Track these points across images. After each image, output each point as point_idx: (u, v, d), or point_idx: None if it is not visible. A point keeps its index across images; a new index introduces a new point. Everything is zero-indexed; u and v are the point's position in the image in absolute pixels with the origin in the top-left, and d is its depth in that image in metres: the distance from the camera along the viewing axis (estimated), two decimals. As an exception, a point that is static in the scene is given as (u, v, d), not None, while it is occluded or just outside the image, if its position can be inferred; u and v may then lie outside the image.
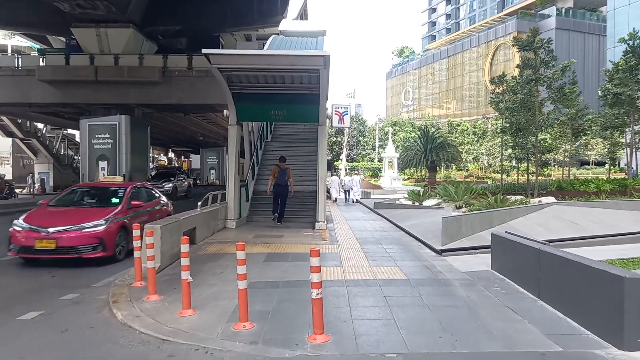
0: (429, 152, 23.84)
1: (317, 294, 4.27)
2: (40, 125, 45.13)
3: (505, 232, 7.00)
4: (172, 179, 30.42)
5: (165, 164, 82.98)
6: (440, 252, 8.39)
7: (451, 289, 6.06)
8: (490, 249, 8.12)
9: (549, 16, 73.47)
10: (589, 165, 51.03)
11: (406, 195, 21.42)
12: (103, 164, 31.81)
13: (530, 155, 17.69)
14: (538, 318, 4.88)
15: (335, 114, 17.93)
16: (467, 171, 52.08)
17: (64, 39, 34.57)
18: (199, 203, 9.90)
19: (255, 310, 5.19)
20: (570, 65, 16.31)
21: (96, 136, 31.81)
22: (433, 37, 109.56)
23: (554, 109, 17.01)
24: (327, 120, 12.57)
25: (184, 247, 5.32)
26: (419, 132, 26.81)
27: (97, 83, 30.07)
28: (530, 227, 9.67)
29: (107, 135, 31.68)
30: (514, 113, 15.95)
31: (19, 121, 39.75)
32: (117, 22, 30.78)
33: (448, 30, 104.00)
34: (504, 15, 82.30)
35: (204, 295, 5.90)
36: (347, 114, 18.43)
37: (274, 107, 11.90)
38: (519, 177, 25.50)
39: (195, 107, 33.13)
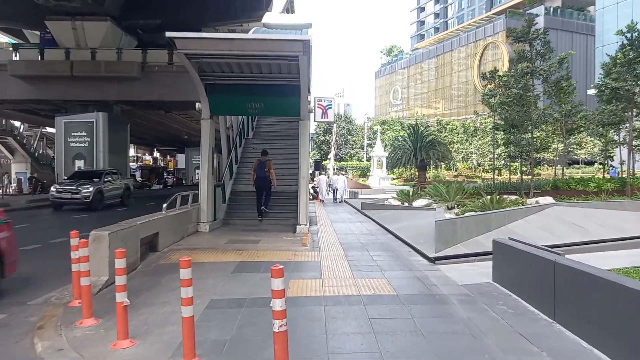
0: (419, 151, 22.96)
1: (280, 326, 3.27)
2: (17, 124, 43.56)
3: (509, 238, 6.07)
4: (96, 180, 21.92)
5: (151, 163, 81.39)
6: (433, 260, 7.44)
7: (448, 308, 5.10)
8: (490, 256, 7.20)
9: (537, 15, 73.29)
10: (578, 164, 50.68)
11: (395, 195, 20.53)
12: (80, 163, 30.48)
13: (524, 153, 16.88)
14: (557, 348, 3.94)
15: (318, 107, 16.70)
16: (456, 170, 51.47)
17: (39, 33, 33.07)
18: (164, 205, 8.84)
19: (209, 339, 4.19)
20: (568, 57, 15.50)
21: (72, 134, 30.47)
22: (422, 36, 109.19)
23: (550, 104, 16.17)
24: (310, 114, 11.53)
25: (119, 263, 4.30)
26: (408, 131, 25.86)
27: (73, 79, 28.75)
28: (532, 231, 8.78)
29: (83, 133, 30.36)
30: (507, 108, 15.07)
31: (-7, 119, 38.17)
32: (94, 14, 29.48)
33: (437, 30, 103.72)
34: (492, 14, 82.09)
35: (151, 318, 4.88)
36: (331, 108, 17.14)
37: (251, 100, 10.87)
38: (511, 176, 24.73)
39: (177, 104, 31.91)
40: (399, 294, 5.60)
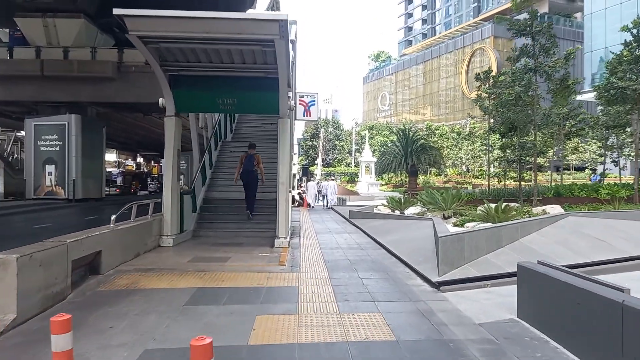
0: (410, 156, 21.66)
1: None
2: (-12, 127, 41.56)
3: (539, 263, 4.72)
4: None
5: (134, 169, 79.32)
6: (437, 286, 6.05)
7: (469, 363, 3.71)
8: (505, 279, 5.87)
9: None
10: (568, 170, 49.97)
11: (385, 203, 19.23)
12: (50, 168, 28.69)
13: (524, 157, 15.69)
14: None
15: (300, 103, 15.13)
16: (445, 176, 50.39)
17: (7, 31, 31.29)
18: (113, 217, 7.35)
19: None
20: (575, 52, 14.32)
21: (43, 137, 28.69)
22: (409, 42, 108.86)
23: (554, 104, 14.95)
24: (291, 112, 10.10)
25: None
26: (398, 135, 24.62)
27: (43, 79, 27.01)
28: (549, 247, 7.46)
29: (55, 137, 28.59)
30: (503, 110, 13.81)
31: (-40, 121, 36.15)
32: (67, 11, 27.82)
33: (424, 36, 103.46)
34: (480, 20, 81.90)
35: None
36: (314, 104, 15.54)
37: (222, 94, 9.43)
38: (505, 182, 23.54)
39: (155, 106, 29.66)
40: (399, 340, 4.19)
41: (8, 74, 26.73)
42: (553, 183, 20.62)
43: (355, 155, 55.98)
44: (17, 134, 45.61)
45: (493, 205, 10.17)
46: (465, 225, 10.57)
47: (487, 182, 21.55)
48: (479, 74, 20.33)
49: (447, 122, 73.74)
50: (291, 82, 9.57)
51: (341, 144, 58.80)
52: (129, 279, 6.55)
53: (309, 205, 24.88)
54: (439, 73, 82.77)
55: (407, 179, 23.87)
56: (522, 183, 18.37)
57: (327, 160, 56.27)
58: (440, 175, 49.58)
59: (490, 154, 23.42)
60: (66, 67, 26.95)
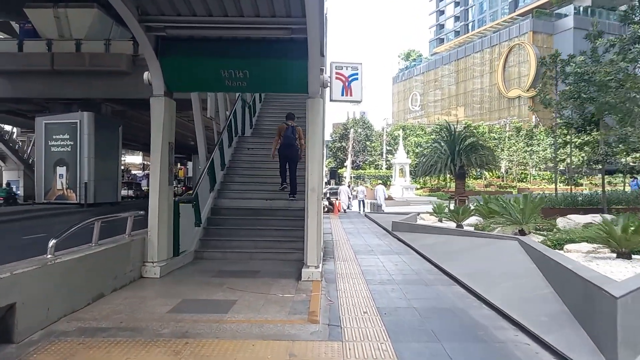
0: (457, 155, 18.60)
1: None
2: (7, 128, 40.28)
3: None
4: None
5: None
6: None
7: None
8: None
9: (565, 15, 69.36)
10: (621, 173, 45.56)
11: (430, 210, 16.29)
12: (61, 170, 26.68)
13: (610, 156, 12.54)
14: None
15: (338, 78, 11.48)
16: (485, 180, 46.82)
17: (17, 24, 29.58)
18: (52, 242, 4.71)
19: None
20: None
21: (54, 137, 26.70)
22: (441, 40, 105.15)
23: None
24: (324, 89, 7.25)
25: None
26: (442, 133, 21.58)
27: (54, 73, 25.00)
28: None
29: (66, 136, 26.56)
30: (605, 92, 10.63)
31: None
32: (79, 0, 25.87)
33: (456, 33, 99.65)
34: (516, 15, 77.63)
35: None
36: (356, 79, 11.57)
37: (228, 65, 6.68)
38: (556, 186, 19.82)
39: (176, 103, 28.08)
40: None
41: (17, 69, 24.93)
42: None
43: (386, 156, 52.87)
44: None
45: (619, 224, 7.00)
46: (565, 247, 7.58)
47: (556, 187, 18.20)
48: (543, 57, 17.17)
49: (482, 122, 69.83)
50: (324, 47, 6.78)
51: (372, 144, 55.68)
52: (58, 354, 3.86)
53: (340, 211, 22.25)
54: (472, 71, 78.95)
55: (454, 183, 20.79)
56: (594, 189, 15.13)
57: (357, 162, 53.28)
58: (478, 178, 46.05)
59: (540, 153, 20.21)
60: (77, 60, 24.95)
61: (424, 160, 20.90)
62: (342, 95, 11.24)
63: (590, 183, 40.48)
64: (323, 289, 6.09)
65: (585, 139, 14.11)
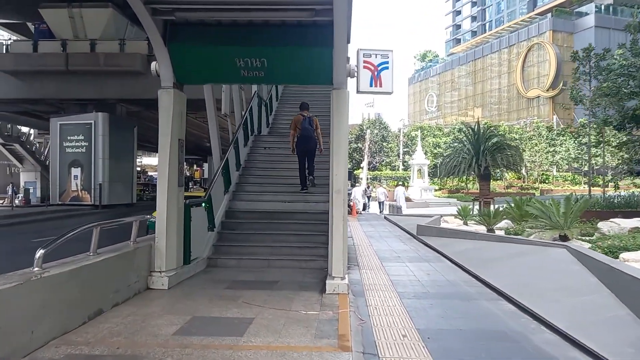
0: (482, 155, 17.70)
1: None
2: (24, 129, 40.32)
3: None
4: None
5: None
6: None
7: None
8: None
9: (587, 14, 67.53)
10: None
11: (454, 213, 15.48)
12: (76, 171, 26.36)
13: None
14: None
15: (366, 67, 10.40)
16: (505, 181, 45.58)
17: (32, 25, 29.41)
18: (40, 252, 4.07)
19: None
20: None
21: (68, 138, 26.40)
22: (457, 41, 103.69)
23: None
24: (351, 79, 6.49)
25: None
26: (466, 131, 20.68)
27: (68, 74, 24.69)
28: None
29: (81, 137, 26.24)
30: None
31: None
32: (94, 0, 25.57)
33: (473, 33, 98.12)
34: (535, 15, 75.90)
35: None
36: (386, 69, 10.39)
37: (244, 52, 6.00)
38: (604, 189, 18.87)
39: (190, 103, 27.56)
40: None
41: (31, 69, 24.71)
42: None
43: (403, 157, 51.90)
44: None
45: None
46: (621, 257, 6.76)
47: (590, 188, 17.17)
48: (576, 52, 16.20)
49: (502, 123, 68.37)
50: (350, 32, 6.05)
51: (389, 145, 54.72)
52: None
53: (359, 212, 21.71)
54: (490, 71, 77.36)
55: (478, 184, 19.89)
56: (620, 191, 14.22)
57: (374, 163, 52.40)
58: (499, 179, 44.83)
59: (562, 154, 19.17)
60: (91, 60, 24.63)
61: (447, 160, 20.00)
62: (371, 86, 10.22)
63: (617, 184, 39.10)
64: (351, 305, 5.36)
65: (625, 137, 13.19)
